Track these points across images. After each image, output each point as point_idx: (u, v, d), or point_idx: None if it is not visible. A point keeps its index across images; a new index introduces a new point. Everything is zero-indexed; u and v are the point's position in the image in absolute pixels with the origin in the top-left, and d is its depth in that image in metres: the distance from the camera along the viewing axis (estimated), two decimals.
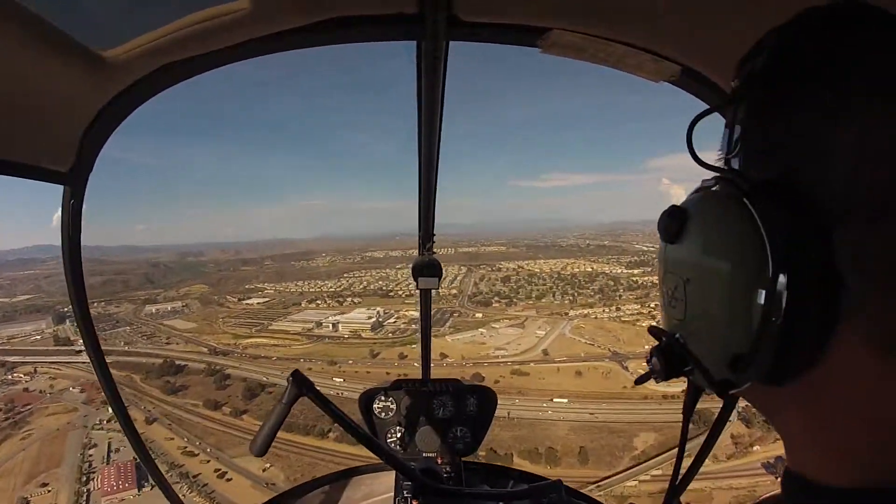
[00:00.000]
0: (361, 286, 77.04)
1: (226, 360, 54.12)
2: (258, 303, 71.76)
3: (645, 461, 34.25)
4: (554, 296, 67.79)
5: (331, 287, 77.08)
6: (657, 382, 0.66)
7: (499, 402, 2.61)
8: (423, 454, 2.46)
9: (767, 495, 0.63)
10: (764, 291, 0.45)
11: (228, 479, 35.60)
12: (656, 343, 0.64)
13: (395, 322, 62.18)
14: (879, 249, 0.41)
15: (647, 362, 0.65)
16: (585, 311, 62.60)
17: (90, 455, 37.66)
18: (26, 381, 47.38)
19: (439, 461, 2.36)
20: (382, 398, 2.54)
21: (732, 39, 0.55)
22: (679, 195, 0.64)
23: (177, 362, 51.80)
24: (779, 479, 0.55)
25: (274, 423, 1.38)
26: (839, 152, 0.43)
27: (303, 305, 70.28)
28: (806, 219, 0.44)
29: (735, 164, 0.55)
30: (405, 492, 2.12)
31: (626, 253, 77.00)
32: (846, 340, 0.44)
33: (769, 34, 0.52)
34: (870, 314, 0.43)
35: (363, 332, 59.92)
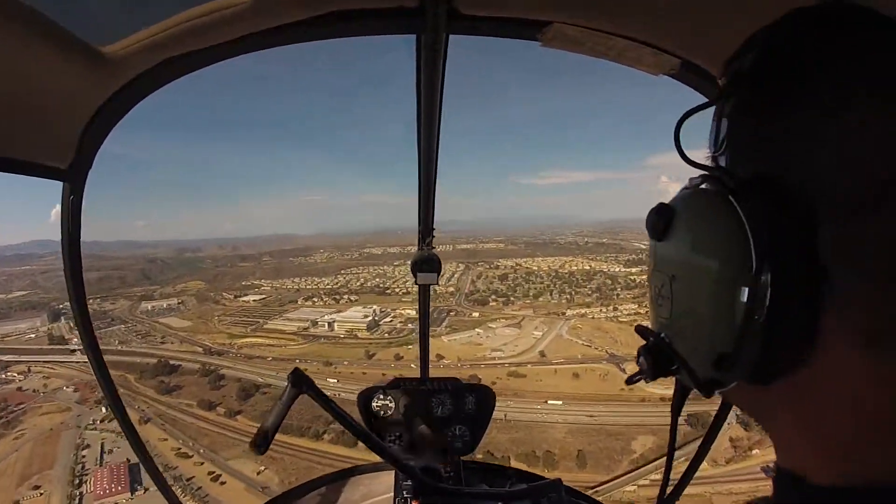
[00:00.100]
0: (358, 283, 76.53)
1: (220, 361, 53.71)
2: (254, 300, 71.26)
3: (644, 465, 33.92)
4: (551, 294, 67.31)
5: (328, 284, 76.57)
6: (647, 382, 0.66)
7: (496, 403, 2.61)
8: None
9: (758, 497, 0.62)
10: (747, 289, 0.45)
11: (222, 483, 35.25)
12: (644, 342, 0.64)
13: (391, 321, 61.74)
14: (865, 245, 0.41)
15: (637, 362, 0.65)
16: (583, 311, 62.19)
17: (83, 456, 37.31)
18: (20, 381, 46.98)
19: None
20: (381, 397, 2.52)
21: (733, 33, 0.55)
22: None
23: (171, 362, 51.36)
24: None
25: (274, 421, 1.35)
26: (827, 150, 0.43)
27: (299, 303, 69.88)
28: (791, 216, 0.44)
29: (722, 162, 0.55)
30: (405, 492, 2.11)
31: (624, 251, 76.38)
32: (832, 338, 0.44)
33: (758, 33, 0.52)
34: (855, 311, 0.43)
35: (359, 331, 59.46)
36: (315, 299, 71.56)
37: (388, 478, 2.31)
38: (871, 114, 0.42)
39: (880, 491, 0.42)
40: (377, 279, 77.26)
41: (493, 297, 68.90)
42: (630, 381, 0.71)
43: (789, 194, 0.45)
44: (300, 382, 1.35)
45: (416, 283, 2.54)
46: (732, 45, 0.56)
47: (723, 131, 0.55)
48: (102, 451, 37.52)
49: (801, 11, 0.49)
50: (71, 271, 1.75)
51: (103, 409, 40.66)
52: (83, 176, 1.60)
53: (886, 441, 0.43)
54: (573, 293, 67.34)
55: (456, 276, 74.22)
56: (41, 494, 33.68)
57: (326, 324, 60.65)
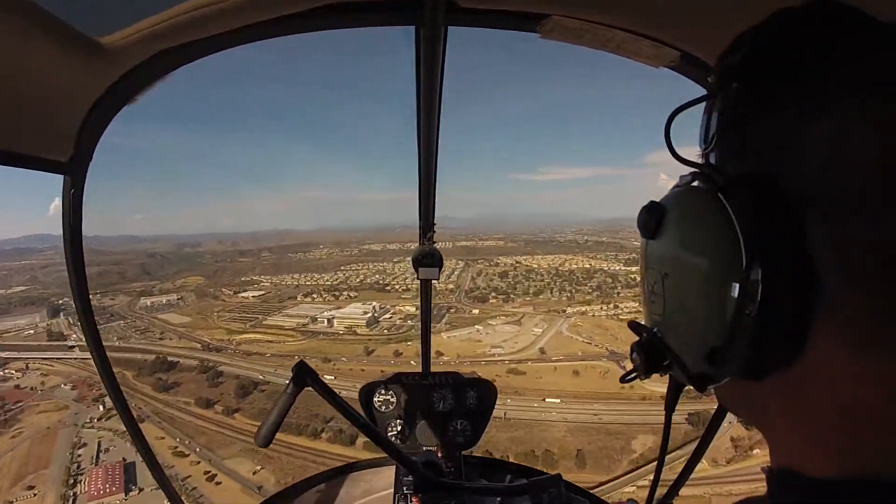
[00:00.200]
0: (358, 279, 76.21)
1: (219, 357, 53.41)
2: (253, 296, 70.94)
3: (644, 465, 33.32)
4: (551, 292, 66.83)
5: (327, 280, 76.29)
6: (641, 380, 0.67)
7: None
8: (423, 447, 2.42)
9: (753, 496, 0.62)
10: (738, 285, 0.45)
11: (218, 483, 34.90)
12: (637, 339, 0.65)
13: (390, 318, 61.36)
14: (852, 246, 0.41)
15: (630, 358, 0.66)
16: (583, 309, 61.71)
17: (79, 455, 36.99)
18: (18, 378, 46.72)
19: (439, 455, 2.33)
20: (382, 391, 2.53)
21: (732, 26, 0.55)
22: None
23: (169, 359, 51.10)
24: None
25: (278, 414, 1.40)
26: (815, 149, 0.43)
27: (298, 299, 69.60)
28: (780, 212, 0.44)
29: (712, 159, 0.56)
30: (405, 487, 2.13)
31: (624, 250, 75.53)
32: (822, 334, 0.44)
33: (745, 32, 0.53)
34: (845, 309, 0.43)
35: (358, 328, 59.09)
36: (314, 295, 71.27)
37: (388, 473, 2.34)
38: (851, 115, 0.42)
39: (873, 485, 0.42)
40: (377, 276, 76.93)
41: (493, 294, 68.42)
42: (624, 379, 0.71)
43: (777, 193, 0.45)
44: (304, 375, 1.38)
45: (418, 278, 2.55)
46: (732, 38, 0.56)
47: (713, 128, 0.55)
48: (99, 450, 37.27)
49: (787, 11, 0.50)
50: (73, 266, 1.73)
51: (101, 407, 40.50)
52: (84, 169, 1.58)
53: (877, 437, 0.43)
54: (573, 291, 66.87)
55: (456, 273, 73.78)
56: (35, 495, 33.38)
57: (326, 320, 60.31)
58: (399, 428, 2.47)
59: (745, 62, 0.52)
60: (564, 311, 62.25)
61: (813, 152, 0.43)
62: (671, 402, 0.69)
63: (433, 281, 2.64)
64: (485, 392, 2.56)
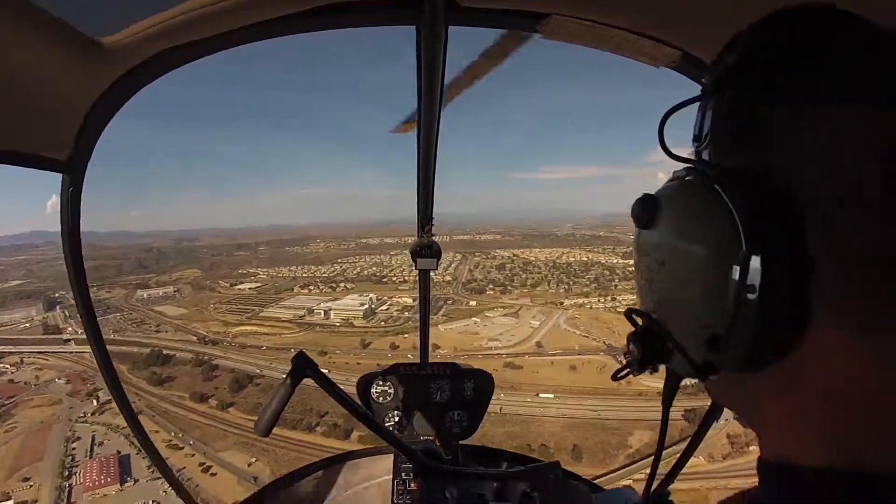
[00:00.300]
0: (355, 272, 76.30)
1: (214, 350, 53.30)
2: (250, 288, 71.04)
3: (640, 460, 33.47)
4: (549, 284, 66.95)
5: (324, 272, 76.35)
6: (635, 375, 0.66)
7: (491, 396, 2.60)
8: (421, 438, 2.45)
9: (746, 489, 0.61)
10: (738, 268, 0.45)
11: (213, 474, 34.83)
12: (633, 329, 0.64)
13: (387, 309, 61.36)
14: (847, 241, 0.42)
15: (625, 354, 0.65)
16: (581, 301, 61.72)
17: (73, 449, 36.94)
18: (12, 372, 46.65)
19: (437, 444, 2.36)
20: (380, 382, 2.54)
21: (733, 25, 0.56)
22: None
23: (164, 352, 50.87)
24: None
25: (278, 404, 1.42)
26: (809, 148, 0.44)
27: (295, 291, 69.71)
28: (776, 201, 0.45)
29: (706, 156, 0.56)
30: (404, 473, 2.17)
31: (621, 243, 75.53)
32: (821, 325, 0.44)
33: (740, 34, 0.54)
34: (842, 301, 0.43)
35: (355, 319, 59.07)
36: (311, 287, 71.32)
37: (386, 461, 2.37)
38: (840, 115, 0.43)
39: (867, 476, 0.42)
40: (374, 268, 76.92)
41: (491, 286, 68.48)
42: (616, 376, 0.71)
43: (772, 185, 0.46)
44: (304, 366, 1.41)
45: (416, 269, 2.56)
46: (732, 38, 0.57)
47: (706, 127, 0.56)
48: (93, 444, 37.19)
49: (781, 13, 0.50)
50: (72, 262, 1.73)
51: (94, 402, 40.39)
52: (82, 167, 1.57)
53: (872, 424, 0.43)
54: (571, 283, 66.90)
55: (453, 265, 73.70)
56: (30, 486, 33.40)
57: (322, 312, 60.19)
58: (397, 418, 2.49)
59: (738, 63, 0.52)
60: (562, 303, 62.20)
61: (812, 151, 0.44)
62: (668, 396, 0.68)
63: (431, 272, 2.67)
64: (482, 382, 2.57)
